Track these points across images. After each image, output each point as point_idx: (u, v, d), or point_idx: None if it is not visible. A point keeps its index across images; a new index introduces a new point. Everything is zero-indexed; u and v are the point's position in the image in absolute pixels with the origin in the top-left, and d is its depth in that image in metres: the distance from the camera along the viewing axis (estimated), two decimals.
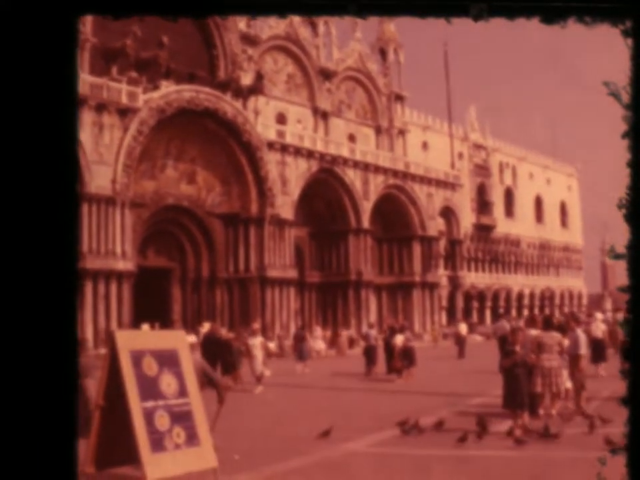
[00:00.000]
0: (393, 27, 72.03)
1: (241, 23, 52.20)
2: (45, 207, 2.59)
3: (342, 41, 65.75)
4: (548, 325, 17.61)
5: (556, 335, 17.11)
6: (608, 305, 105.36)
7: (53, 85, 2.54)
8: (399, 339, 27.41)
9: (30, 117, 2.55)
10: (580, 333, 18.55)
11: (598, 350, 25.90)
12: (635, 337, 2.45)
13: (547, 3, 2.44)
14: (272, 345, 40.02)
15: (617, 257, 2.57)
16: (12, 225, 2.58)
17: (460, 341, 39.58)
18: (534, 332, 17.59)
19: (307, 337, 35.51)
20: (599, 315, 30.52)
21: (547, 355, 16.46)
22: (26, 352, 2.63)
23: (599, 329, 27.03)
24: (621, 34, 2.46)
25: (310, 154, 54.17)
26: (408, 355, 26.87)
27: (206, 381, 12.52)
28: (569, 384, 17.56)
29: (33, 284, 2.62)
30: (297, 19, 59.13)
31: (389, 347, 28.83)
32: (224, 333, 30.11)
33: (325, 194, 57.16)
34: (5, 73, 2.53)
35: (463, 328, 41.42)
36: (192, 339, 27.09)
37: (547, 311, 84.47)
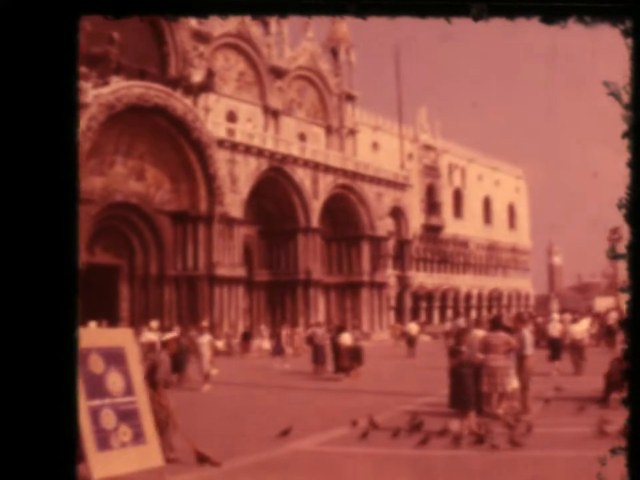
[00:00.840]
0: (345, 27, 72.12)
1: (192, 19, 51.93)
2: (43, 205, 2.56)
3: (294, 40, 65.79)
4: (495, 325, 17.82)
5: (503, 335, 17.25)
6: (554, 305, 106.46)
7: (53, 84, 2.51)
8: (346, 338, 27.48)
9: (30, 117, 2.51)
10: (527, 333, 18.78)
11: (554, 348, 27.06)
12: (635, 337, 2.46)
13: (547, 2, 2.45)
14: (220, 344, 39.94)
15: (617, 257, 2.59)
16: (12, 226, 2.55)
17: (410, 341, 39.82)
18: (480, 332, 17.86)
19: (281, 334, 36.10)
20: (555, 315, 31.55)
21: (494, 355, 16.59)
22: (23, 352, 2.60)
23: (556, 328, 28.27)
24: (621, 34, 2.47)
25: (260, 152, 54.06)
26: (356, 354, 26.95)
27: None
28: (515, 384, 17.76)
29: (33, 286, 2.59)
30: (248, 17, 58.89)
31: (336, 346, 28.90)
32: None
33: (274, 193, 57.08)
34: (4, 73, 2.49)
35: (413, 328, 41.75)
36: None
37: (494, 312, 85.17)
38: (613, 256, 2.64)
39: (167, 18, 2.54)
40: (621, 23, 2.46)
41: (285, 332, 39.20)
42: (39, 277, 2.58)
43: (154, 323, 31.66)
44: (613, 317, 40.36)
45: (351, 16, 2.46)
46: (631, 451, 2.44)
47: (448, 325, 53.94)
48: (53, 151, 2.51)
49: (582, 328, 27.79)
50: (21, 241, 2.56)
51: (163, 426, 11.64)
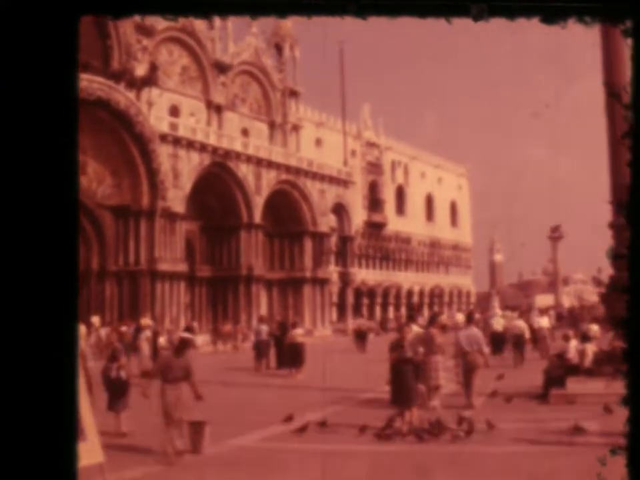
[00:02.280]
0: (289, 23, 72.04)
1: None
2: (43, 206, 2.51)
3: (238, 35, 65.55)
4: (431, 321, 19.20)
5: (436, 332, 18.24)
6: (496, 303, 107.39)
7: (52, 84, 2.46)
8: (299, 334, 27.61)
9: (30, 117, 2.46)
10: (476, 331, 19.37)
11: (497, 343, 28.90)
12: (635, 337, 2.48)
13: (547, 3, 2.44)
14: (161, 340, 39.65)
15: (617, 257, 2.60)
16: (10, 223, 2.49)
17: (361, 336, 40.22)
18: (415, 328, 18.32)
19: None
20: (498, 311, 32.92)
21: (428, 352, 17.48)
22: (25, 352, 2.54)
23: (499, 323, 30.10)
24: (621, 34, 2.47)
25: (203, 147, 53.81)
26: (299, 351, 26.97)
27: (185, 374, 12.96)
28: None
29: (34, 287, 2.53)
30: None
31: (279, 342, 28.92)
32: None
33: (217, 188, 56.84)
34: (4, 72, 2.43)
35: (364, 323, 42.59)
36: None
37: (435, 308, 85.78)
38: (613, 256, 2.65)
39: (166, 18, 2.51)
40: (621, 23, 2.47)
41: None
42: (39, 276, 2.53)
43: (95, 319, 31.37)
44: (551, 315, 41.69)
45: (351, 16, 2.44)
46: (631, 451, 2.46)
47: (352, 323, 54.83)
48: (53, 150, 2.46)
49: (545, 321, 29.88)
50: (19, 236, 2.52)
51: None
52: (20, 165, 2.43)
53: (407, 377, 14.94)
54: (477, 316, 43.39)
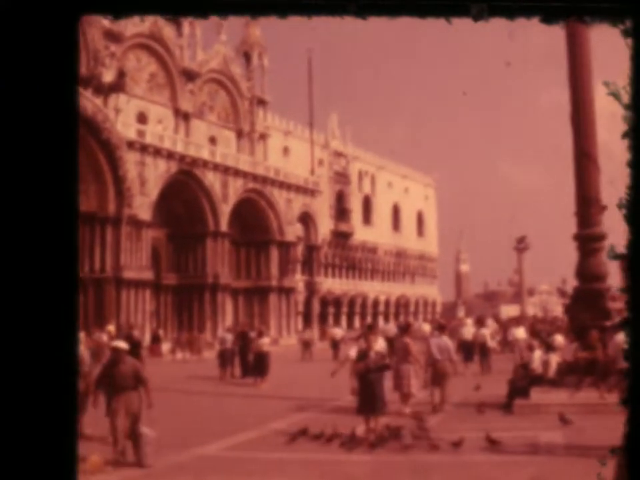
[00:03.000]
0: (258, 31, 72.11)
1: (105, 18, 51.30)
2: (42, 208, 2.48)
3: (207, 43, 65.50)
4: (403, 331, 19.77)
5: (408, 341, 18.57)
6: (461, 312, 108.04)
7: (52, 84, 2.44)
8: (265, 343, 27.60)
9: (29, 117, 2.43)
10: (446, 340, 19.78)
11: (467, 351, 29.32)
12: (635, 337, 2.47)
13: (547, 2, 2.44)
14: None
15: (617, 257, 2.60)
16: (9, 225, 2.46)
17: (334, 345, 40.31)
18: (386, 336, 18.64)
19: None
20: (468, 320, 33.60)
21: (399, 360, 18.16)
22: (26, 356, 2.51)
23: (469, 332, 30.49)
24: (621, 34, 2.47)
25: (170, 155, 53.66)
26: (264, 360, 26.95)
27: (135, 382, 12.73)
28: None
29: (33, 292, 2.51)
30: (161, 18, 58.63)
31: (244, 351, 28.89)
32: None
33: (183, 196, 56.69)
34: (4, 73, 2.41)
35: (337, 332, 42.90)
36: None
37: (401, 318, 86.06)
38: (614, 256, 2.66)
39: (167, 18, 2.49)
40: (621, 23, 2.47)
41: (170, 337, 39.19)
42: (39, 281, 2.51)
43: None
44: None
45: (351, 16, 2.43)
46: (631, 451, 2.46)
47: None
48: (52, 151, 2.44)
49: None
50: (19, 240, 2.49)
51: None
52: (18, 165, 2.42)
53: (373, 385, 14.96)
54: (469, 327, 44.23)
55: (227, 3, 2.48)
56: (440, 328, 21.27)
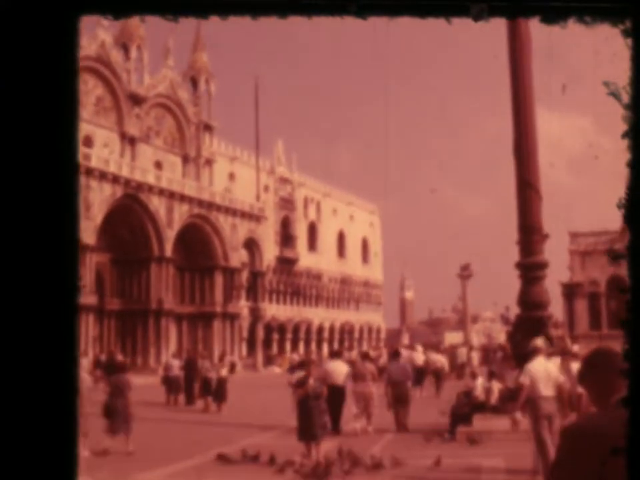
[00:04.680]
0: (205, 56, 72.20)
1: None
2: (41, 212, 2.51)
3: (154, 67, 65.42)
4: (364, 358, 21.82)
5: (369, 366, 20.84)
6: (405, 339, 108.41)
7: (52, 85, 2.47)
8: (224, 370, 27.70)
9: (29, 119, 2.46)
10: (397, 364, 21.41)
11: (418, 376, 30.09)
12: (635, 337, 2.54)
13: (547, 2, 2.50)
14: None
15: (617, 257, 2.66)
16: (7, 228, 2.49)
17: (292, 370, 41.08)
18: (330, 364, 20.19)
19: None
20: (419, 347, 35.50)
21: (362, 383, 19.78)
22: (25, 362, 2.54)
23: (420, 359, 32.67)
24: (621, 34, 2.53)
25: (115, 179, 53.39)
26: (222, 385, 26.91)
27: None
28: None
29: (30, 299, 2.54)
30: (109, 41, 58.47)
31: (190, 378, 28.79)
32: None
33: (128, 220, 56.41)
34: (3, 74, 2.44)
35: (295, 358, 43.87)
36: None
37: (346, 345, 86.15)
38: (614, 256, 2.73)
39: (167, 18, 2.53)
40: (621, 23, 2.53)
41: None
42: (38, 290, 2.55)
43: None
44: (462, 352, 43.65)
45: (351, 16, 2.49)
46: (631, 451, 2.52)
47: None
48: (52, 154, 2.47)
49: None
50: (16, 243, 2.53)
51: None
52: (17, 168, 2.46)
53: (312, 412, 15.02)
54: (403, 351, 45.05)
55: (227, 3, 2.54)
56: (396, 353, 23.14)
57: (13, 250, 2.32)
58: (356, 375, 20.02)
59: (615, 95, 2.60)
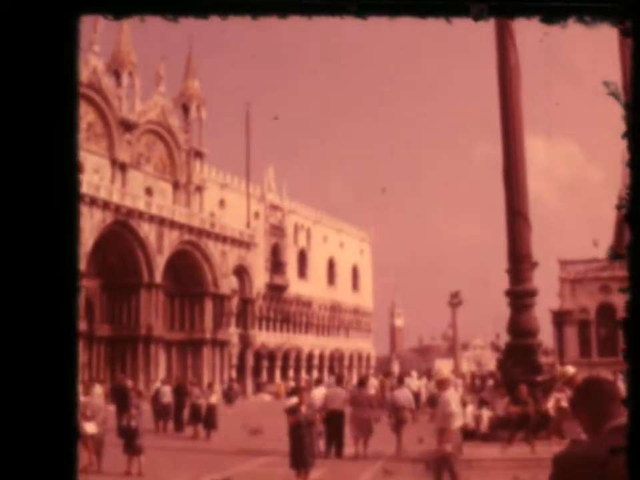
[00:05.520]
0: (197, 83, 72.38)
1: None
2: (42, 208, 2.51)
3: (145, 94, 65.49)
4: (362, 384, 22.58)
5: (366, 392, 21.94)
6: (396, 367, 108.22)
7: (52, 86, 2.48)
8: (215, 397, 27.81)
9: (29, 119, 2.47)
10: (400, 391, 22.48)
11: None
12: (635, 337, 2.54)
13: (547, 2, 2.51)
14: None
15: (617, 257, 2.66)
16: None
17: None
18: (322, 390, 20.95)
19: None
20: (414, 373, 36.65)
21: (360, 409, 20.38)
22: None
23: (414, 384, 34.24)
24: (621, 34, 2.54)
25: (106, 205, 53.38)
26: (212, 413, 26.91)
27: None
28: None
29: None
30: (100, 67, 58.59)
31: (179, 404, 28.70)
32: None
33: (118, 246, 56.34)
34: (2, 74, 2.45)
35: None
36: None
37: (336, 371, 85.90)
38: (614, 256, 2.73)
39: (167, 18, 2.54)
40: (621, 23, 2.53)
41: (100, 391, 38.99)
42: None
43: None
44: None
45: (351, 16, 2.49)
46: (631, 451, 2.52)
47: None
48: (52, 155, 2.48)
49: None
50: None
51: None
52: (16, 170, 2.46)
53: (304, 440, 14.99)
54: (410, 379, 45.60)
55: (227, 3, 2.56)
56: (400, 380, 25.08)
57: (15, 273, 2.33)
58: (353, 401, 20.60)
59: (615, 95, 2.62)
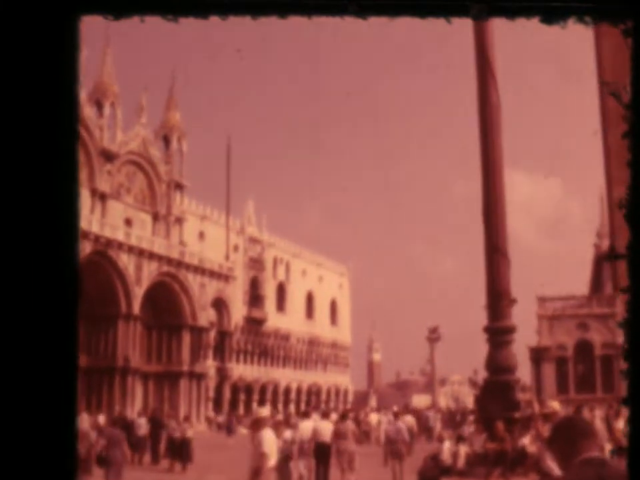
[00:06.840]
0: (178, 115, 72.51)
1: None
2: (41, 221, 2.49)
3: (127, 124, 65.51)
4: (344, 417, 22.73)
5: (350, 425, 22.14)
6: (373, 402, 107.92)
7: (52, 86, 2.47)
8: (190, 431, 27.69)
9: (28, 120, 2.45)
10: (395, 425, 23.48)
11: None
12: (635, 337, 2.53)
13: (547, 2, 2.51)
14: None
15: (617, 257, 2.66)
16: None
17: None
18: (311, 423, 21.36)
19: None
20: (394, 408, 39.35)
21: (343, 441, 20.69)
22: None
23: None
24: (621, 34, 2.54)
25: (84, 235, 53.16)
26: (187, 445, 26.76)
27: None
28: None
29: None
30: (82, 97, 58.62)
31: (156, 436, 28.52)
32: None
33: (97, 276, 56.09)
34: (2, 74, 2.43)
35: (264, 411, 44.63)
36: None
37: (313, 406, 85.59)
38: (613, 256, 2.73)
39: (167, 18, 2.53)
40: (621, 23, 2.54)
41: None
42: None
43: None
44: (432, 415, 44.00)
45: (351, 16, 2.49)
46: (631, 451, 2.51)
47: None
48: (52, 155, 2.46)
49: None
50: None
51: None
52: (15, 171, 2.45)
53: (283, 474, 14.94)
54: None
55: (227, 3, 2.56)
56: (396, 415, 26.18)
57: (15, 274, 2.32)
58: (337, 434, 20.86)
59: (615, 94, 2.62)
